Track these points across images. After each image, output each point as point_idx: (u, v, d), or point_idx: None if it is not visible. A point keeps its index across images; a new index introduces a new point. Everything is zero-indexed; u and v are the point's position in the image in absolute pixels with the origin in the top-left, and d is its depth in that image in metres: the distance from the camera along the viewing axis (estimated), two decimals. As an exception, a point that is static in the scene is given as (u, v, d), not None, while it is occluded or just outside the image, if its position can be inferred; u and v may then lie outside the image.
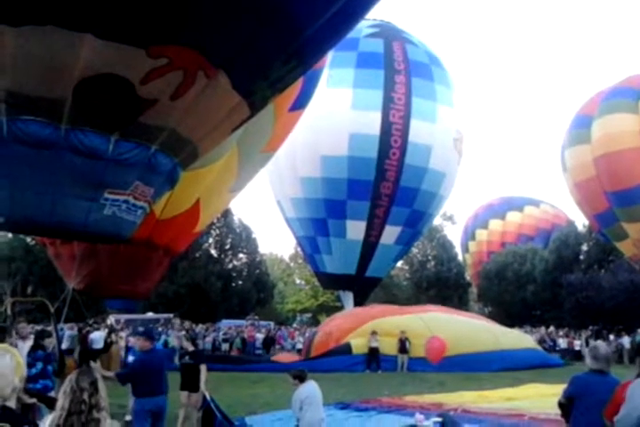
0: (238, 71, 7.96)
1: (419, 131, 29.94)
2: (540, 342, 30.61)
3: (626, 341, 28.76)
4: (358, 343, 22.51)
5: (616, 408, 4.42)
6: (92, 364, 8.41)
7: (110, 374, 8.56)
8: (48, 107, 7.49)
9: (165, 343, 25.12)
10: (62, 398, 3.57)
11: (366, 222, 30.56)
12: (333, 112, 29.09)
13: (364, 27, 30.33)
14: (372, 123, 29.51)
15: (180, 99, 7.83)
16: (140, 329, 12.26)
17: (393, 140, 29.68)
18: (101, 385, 3.67)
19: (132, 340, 15.97)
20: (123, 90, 7.44)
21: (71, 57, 7.02)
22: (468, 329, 23.66)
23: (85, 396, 3.54)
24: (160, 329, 28.37)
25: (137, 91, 7.52)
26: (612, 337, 30.85)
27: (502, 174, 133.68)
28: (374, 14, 35.56)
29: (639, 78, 33.49)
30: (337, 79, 28.92)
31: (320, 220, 31.00)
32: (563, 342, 31.62)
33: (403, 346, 22.32)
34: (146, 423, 7.96)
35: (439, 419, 10.12)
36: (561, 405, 5.75)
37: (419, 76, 30.58)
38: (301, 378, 7.86)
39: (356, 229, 30.69)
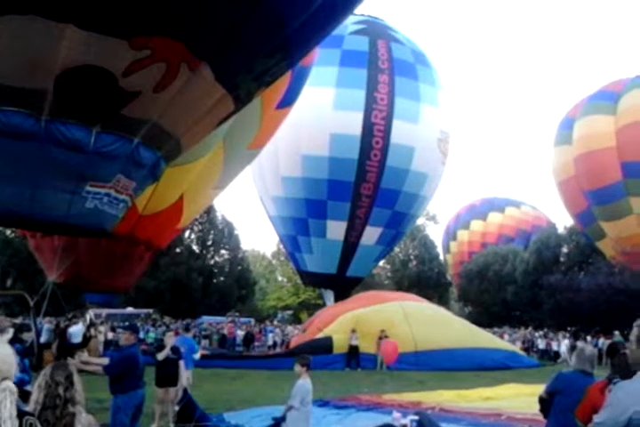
0: (222, 64, 7.89)
1: (401, 132, 29.65)
2: (520, 342, 30.80)
3: (603, 343, 28.91)
4: (339, 342, 22.44)
5: (589, 409, 4.37)
6: (80, 352, 8.25)
7: (98, 361, 8.39)
8: (29, 98, 7.39)
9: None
10: (37, 392, 3.54)
11: (347, 223, 30.39)
12: (315, 111, 28.70)
13: (349, 23, 29.81)
14: (353, 123, 29.22)
15: (162, 91, 7.75)
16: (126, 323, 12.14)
17: (374, 141, 29.45)
18: (77, 379, 3.63)
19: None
20: (105, 82, 7.35)
21: (53, 48, 6.93)
22: (446, 325, 23.73)
23: (60, 390, 3.51)
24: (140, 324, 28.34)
25: (119, 83, 7.44)
26: (589, 338, 31.06)
27: (485, 175, 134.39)
28: (362, 9, 35.33)
29: (622, 82, 33.99)
30: (319, 77, 28.58)
31: (301, 219, 30.84)
32: (541, 343, 31.79)
33: (382, 344, 22.28)
34: (127, 419, 7.84)
35: (416, 417, 10.11)
36: (541, 399, 5.90)
37: (403, 75, 30.28)
38: (308, 366, 7.56)
39: (336, 230, 30.54)
